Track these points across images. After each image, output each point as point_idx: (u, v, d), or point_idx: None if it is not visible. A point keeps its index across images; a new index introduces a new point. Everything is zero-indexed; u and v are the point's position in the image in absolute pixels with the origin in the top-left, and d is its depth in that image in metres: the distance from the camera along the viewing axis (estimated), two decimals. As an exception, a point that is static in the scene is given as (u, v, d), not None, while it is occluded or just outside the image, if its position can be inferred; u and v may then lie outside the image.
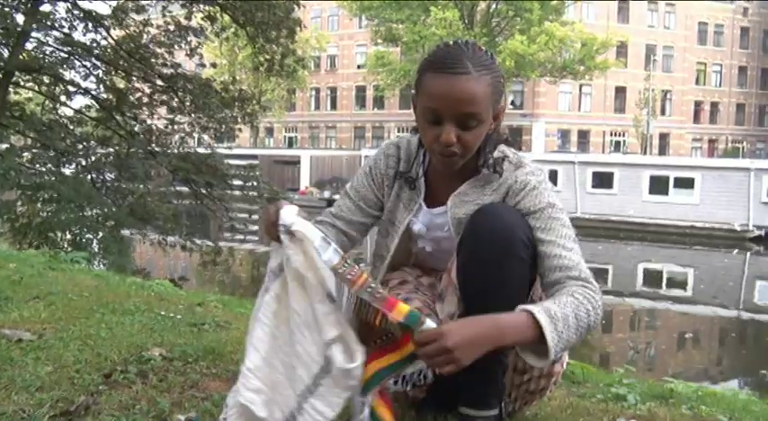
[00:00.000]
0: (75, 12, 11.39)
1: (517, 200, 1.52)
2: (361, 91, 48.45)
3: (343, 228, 1.66)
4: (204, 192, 11.94)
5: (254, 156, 29.09)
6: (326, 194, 29.87)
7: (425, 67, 1.49)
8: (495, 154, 1.57)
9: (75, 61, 11.45)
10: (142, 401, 1.74)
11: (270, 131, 51.08)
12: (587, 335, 1.41)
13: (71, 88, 11.62)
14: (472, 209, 1.53)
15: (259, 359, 1.40)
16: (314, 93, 50.28)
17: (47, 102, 12.10)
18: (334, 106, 50.39)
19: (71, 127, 11.76)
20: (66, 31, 11.36)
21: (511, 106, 41.92)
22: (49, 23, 11.14)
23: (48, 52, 11.45)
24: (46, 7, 11.25)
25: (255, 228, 14.46)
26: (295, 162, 31.88)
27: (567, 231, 1.47)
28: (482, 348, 1.27)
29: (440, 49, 1.50)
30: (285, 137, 51.95)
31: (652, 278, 17.14)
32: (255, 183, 12.60)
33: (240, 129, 13.26)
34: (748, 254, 19.56)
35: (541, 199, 1.49)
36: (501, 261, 1.41)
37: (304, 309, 1.37)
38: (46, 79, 11.51)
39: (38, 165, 10.63)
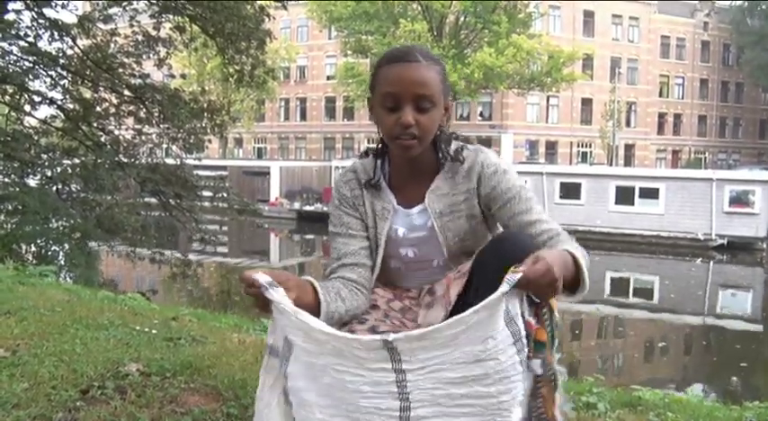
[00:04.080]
0: (41, 21, 11.21)
1: (492, 184, 1.63)
2: (330, 102, 48.42)
3: (353, 262, 1.64)
4: (173, 203, 11.80)
5: (224, 167, 28.94)
6: (297, 205, 29.67)
7: (380, 63, 1.62)
8: (453, 146, 1.67)
9: (41, 71, 11.25)
10: (121, 417, 1.74)
11: (239, 142, 50.73)
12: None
13: (36, 98, 11.41)
14: (450, 200, 1.64)
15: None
16: (283, 103, 50.09)
17: (11, 112, 11.88)
18: (303, 117, 50.25)
19: (36, 137, 11.52)
20: (31, 40, 11.18)
21: (480, 118, 42.36)
22: (13, 32, 10.95)
23: (12, 61, 11.23)
24: (10, 16, 11.07)
25: (225, 239, 14.34)
26: (265, 173, 31.69)
27: (540, 206, 1.64)
28: (563, 270, 1.31)
29: (391, 49, 1.66)
30: (254, 148, 51.63)
31: (620, 287, 17.39)
32: (225, 195, 12.52)
33: (209, 140, 13.15)
34: (711, 262, 19.97)
35: (514, 182, 1.65)
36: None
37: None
38: (10, 89, 11.29)
39: (1, 176, 10.43)
